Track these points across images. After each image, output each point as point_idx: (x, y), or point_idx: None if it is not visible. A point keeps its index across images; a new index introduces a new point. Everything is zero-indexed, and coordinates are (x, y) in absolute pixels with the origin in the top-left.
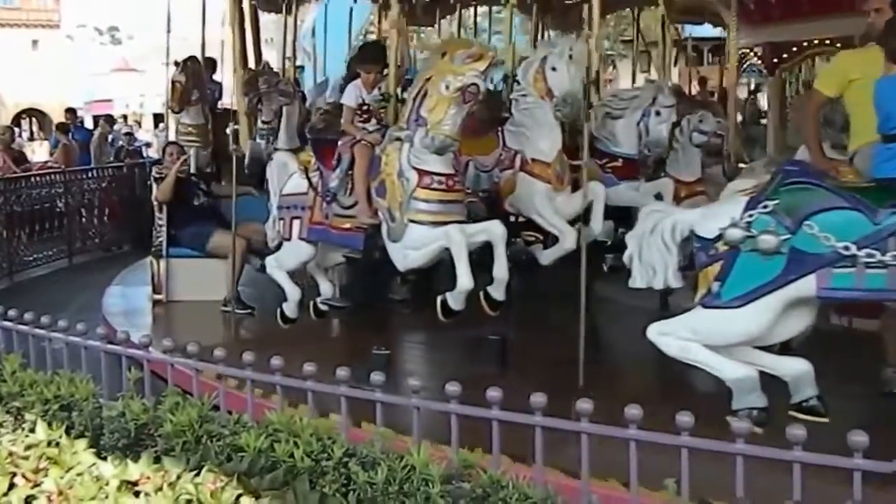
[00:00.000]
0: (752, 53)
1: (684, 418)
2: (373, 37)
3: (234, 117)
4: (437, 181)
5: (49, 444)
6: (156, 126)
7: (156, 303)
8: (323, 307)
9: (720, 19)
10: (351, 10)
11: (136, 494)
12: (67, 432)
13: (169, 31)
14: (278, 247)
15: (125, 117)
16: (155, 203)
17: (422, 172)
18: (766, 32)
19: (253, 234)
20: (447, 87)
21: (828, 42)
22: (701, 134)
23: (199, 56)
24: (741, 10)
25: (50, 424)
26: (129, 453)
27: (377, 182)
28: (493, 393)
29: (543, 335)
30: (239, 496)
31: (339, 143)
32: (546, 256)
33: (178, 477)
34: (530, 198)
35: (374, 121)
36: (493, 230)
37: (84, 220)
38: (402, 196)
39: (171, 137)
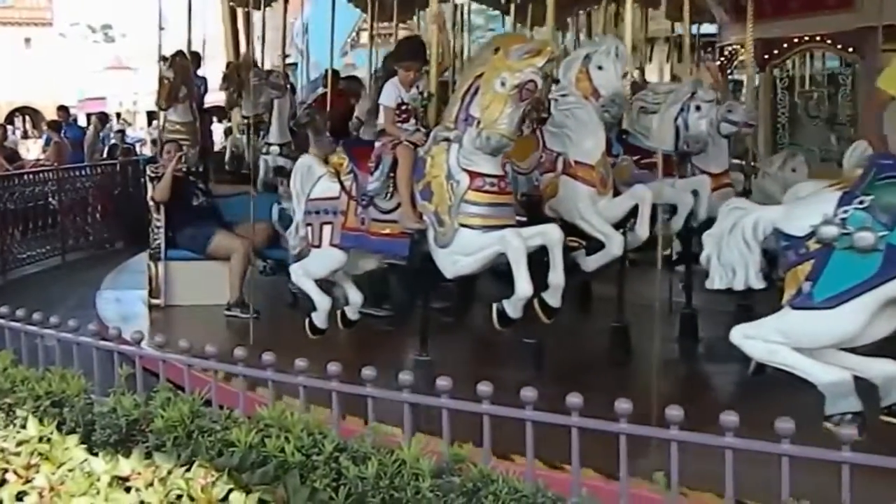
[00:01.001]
0: (742, 50)
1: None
2: (365, 35)
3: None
4: (489, 183)
5: (40, 440)
6: (149, 124)
7: (153, 307)
8: (353, 317)
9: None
10: (333, 5)
11: (128, 490)
12: (59, 428)
13: (162, 29)
14: (300, 254)
15: (118, 115)
16: (151, 203)
17: (473, 174)
18: (756, 28)
19: (256, 234)
20: (503, 85)
21: (818, 38)
22: (730, 124)
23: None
24: (732, 6)
25: (41, 420)
26: (121, 449)
27: (421, 185)
28: (484, 387)
29: (577, 338)
30: (229, 491)
31: (377, 144)
32: (590, 263)
33: (169, 472)
34: (574, 202)
35: (412, 121)
36: (550, 234)
37: (77, 217)
38: (451, 199)
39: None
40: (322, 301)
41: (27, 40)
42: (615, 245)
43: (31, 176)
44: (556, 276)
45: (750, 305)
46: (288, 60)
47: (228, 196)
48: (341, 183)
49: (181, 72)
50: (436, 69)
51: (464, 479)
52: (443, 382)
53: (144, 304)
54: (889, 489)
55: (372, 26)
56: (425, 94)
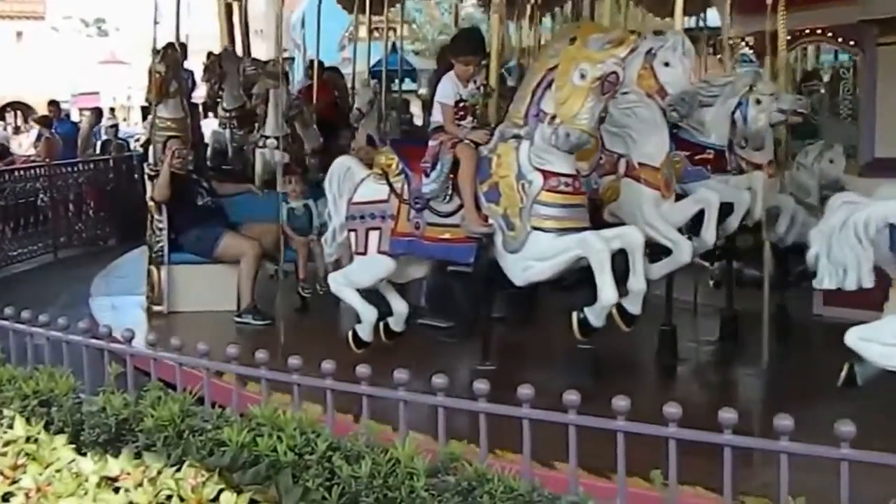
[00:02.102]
0: (743, 43)
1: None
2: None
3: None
4: (564, 183)
5: (27, 440)
6: (143, 119)
7: (154, 315)
8: (398, 328)
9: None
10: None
11: (116, 490)
12: (46, 428)
13: (157, 24)
14: (337, 263)
15: (112, 110)
16: (152, 203)
17: (547, 173)
18: (758, 21)
19: (263, 236)
20: (582, 77)
21: (819, 31)
22: (779, 113)
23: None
24: None
25: (28, 420)
26: (110, 449)
27: (487, 186)
28: (480, 385)
29: (627, 341)
30: (220, 491)
31: (431, 143)
32: (656, 270)
33: (159, 472)
34: (637, 206)
35: (469, 118)
36: (631, 237)
37: (70, 214)
38: (522, 200)
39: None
40: (367, 312)
41: (19, 34)
42: (684, 252)
43: (21, 172)
44: (638, 282)
45: (784, 305)
46: (285, 55)
47: (231, 195)
48: (390, 185)
49: (173, 65)
50: (497, 63)
51: (459, 478)
52: (438, 380)
53: (144, 310)
54: (887, 486)
55: (370, 20)
56: (484, 90)
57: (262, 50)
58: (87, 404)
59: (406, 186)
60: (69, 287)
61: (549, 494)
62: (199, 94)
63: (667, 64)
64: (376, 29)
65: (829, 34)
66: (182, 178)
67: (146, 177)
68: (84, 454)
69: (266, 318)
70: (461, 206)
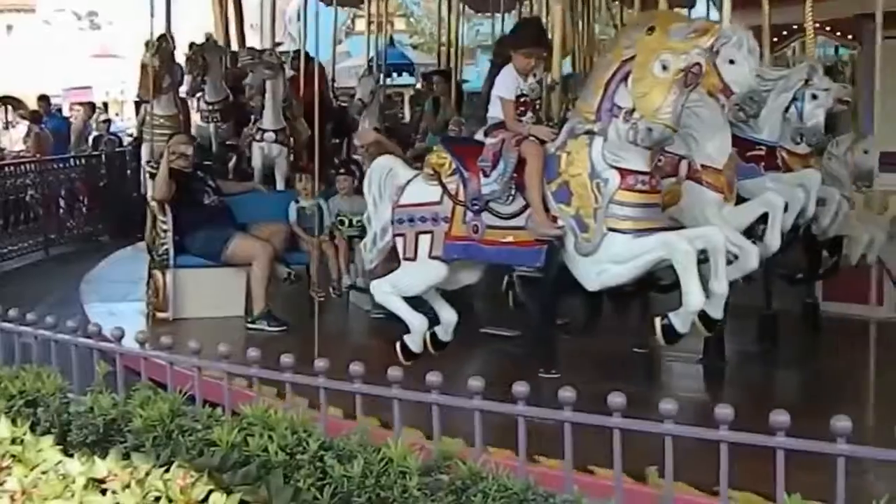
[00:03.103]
0: None
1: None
2: (360, 22)
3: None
4: (641, 181)
5: (13, 441)
6: (137, 113)
7: (159, 322)
8: (446, 338)
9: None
10: None
11: (104, 492)
12: (32, 429)
13: (152, 17)
14: (374, 270)
15: (105, 105)
16: (154, 203)
17: (623, 171)
18: (753, 15)
19: (272, 237)
20: (664, 68)
21: (817, 25)
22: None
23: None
24: None
25: (14, 421)
26: (98, 450)
27: (555, 185)
28: (475, 382)
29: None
30: (210, 492)
31: (490, 140)
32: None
33: (147, 473)
34: (700, 210)
35: (529, 114)
36: (713, 238)
37: (62, 210)
38: (597, 200)
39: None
40: (417, 321)
41: (9, 27)
42: (751, 258)
43: (11, 168)
44: (720, 285)
45: (816, 304)
46: (282, 48)
47: (236, 194)
48: (443, 185)
49: (167, 59)
50: (560, 56)
51: (452, 477)
52: (432, 377)
53: (145, 317)
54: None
55: (369, 13)
56: (546, 84)
57: (256, 43)
58: (74, 404)
59: (462, 187)
60: (60, 285)
61: (544, 492)
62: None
63: (731, 61)
64: (373, 23)
65: (828, 28)
66: (186, 177)
67: (147, 175)
68: (71, 455)
69: (281, 324)
70: (525, 207)
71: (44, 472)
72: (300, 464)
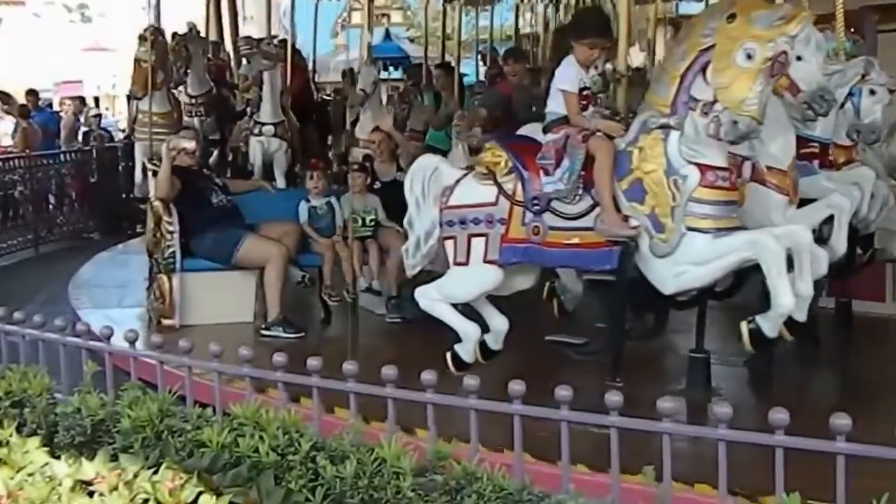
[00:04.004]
0: None
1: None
2: (357, 15)
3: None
4: (721, 177)
5: None
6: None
7: (165, 329)
8: (496, 347)
9: None
10: None
11: (91, 495)
12: (19, 430)
13: (144, 9)
14: (419, 275)
15: (97, 99)
16: (157, 204)
17: (703, 167)
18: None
19: (283, 238)
20: (750, 57)
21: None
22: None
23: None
24: None
25: (0, 422)
26: (85, 451)
27: (627, 183)
28: (471, 381)
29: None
30: (199, 494)
31: (552, 136)
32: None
33: (136, 475)
34: (765, 213)
35: (591, 108)
36: (799, 236)
37: (51, 206)
38: (675, 198)
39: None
40: (469, 330)
41: None
42: (821, 263)
43: None
44: (805, 286)
45: (848, 303)
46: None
47: (242, 193)
48: (499, 185)
49: (161, 54)
50: (626, 45)
51: (447, 477)
52: (427, 376)
53: (147, 324)
54: (882, 480)
55: (369, 5)
56: (616, 76)
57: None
58: (62, 405)
59: (520, 186)
60: (50, 283)
61: (540, 493)
62: None
63: (799, 58)
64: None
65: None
66: (192, 175)
67: (149, 173)
68: (58, 457)
69: (298, 330)
70: (593, 207)
71: (30, 475)
72: (292, 464)
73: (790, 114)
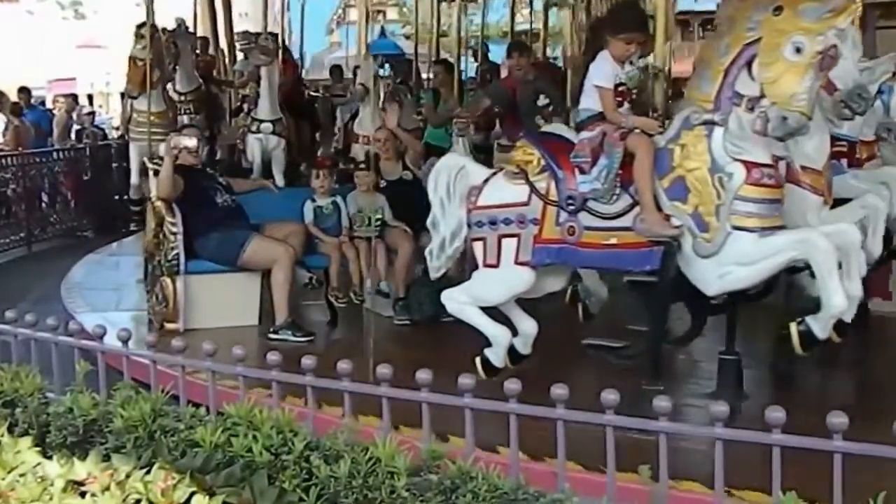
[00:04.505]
0: None
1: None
2: (353, 11)
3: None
4: (767, 175)
5: None
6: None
7: (169, 334)
8: (525, 351)
9: None
10: None
11: (83, 495)
12: (10, 430)
13: (137, 6)
14: (443, 278)
15: (90, 97)
16: (159, 204)
17: (749, 164)
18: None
19: (289, 239)
20: (799, 51)
21: None
22: None
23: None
24: None
25: None
26: (77, 451)
27: (668, 181)
28: (465, 380)
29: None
30: (192, 494)
31: (587, 134)
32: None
33: (128, 475)
34: (801, 214)
35: (626, 104)
36: (849, 235)
37: (44, 205)
38: (720, 196)
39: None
40: (500, 334)
41: None
42: (862, 264)
43: None
44: (855, 286)
45: (864, 303)
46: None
47: (245, 192)
48: (531, 184)
49: (158, 53)
50: (664, 40)
51: (441, 477)
52: (422, 375)
53: (148, 328)
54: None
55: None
56: (654, 70)
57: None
58: (54, 405)
59: (553, 185)
60: (43, 282)
61: (535, 492)
62: None
63: None
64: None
65: None
66: (196, 174)
67: (150, 172)
68: (50, 457)
69: (307, 333)
70: (632, 206)
71: (22, 475)
72: (285, 464)
73: (825, 113)
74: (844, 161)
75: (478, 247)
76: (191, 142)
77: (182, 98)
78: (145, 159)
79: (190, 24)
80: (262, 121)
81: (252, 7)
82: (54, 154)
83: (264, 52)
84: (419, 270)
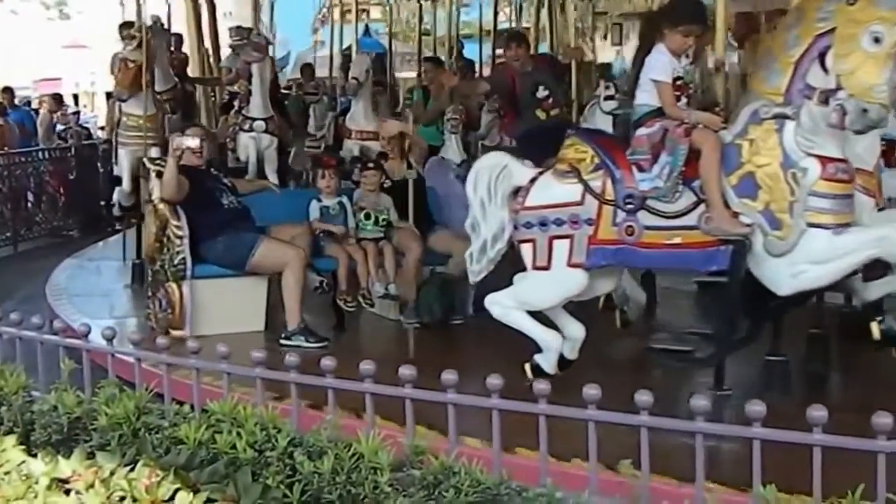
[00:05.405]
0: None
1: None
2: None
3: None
4: (841, 170)
5: None
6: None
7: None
8: (571, 356)
9: None
10: None
11: (67, 493)
12: None
13: (122, 6)
14: (483, 282)
15: (76, 97)
16: (162, 206)
17: (823, 159)
18: (737, 2)
19: (297, 240)
20: (877, 41)
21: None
22: None
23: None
24: None
25: None
26: (62, 449)
27: (736, 178)
28: (449, 376)
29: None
30: (176, 491)
31: (645, 130)
32: (873, 290)
33: (112, 473)
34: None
35: (683, 99)
36: None
37: (30, 204)
38: (793, 193)
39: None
40: (551, 339)
41: None
42: None
43: None
44: None
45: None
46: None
47: (248, 194)
48: (584, 183)
49: (150, 53)
50: (724, 33)
51: (424, 472)
52: (406, 371)
53: (158, 336)
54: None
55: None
56: (716, 66)
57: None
58: (38, 403)
59: (609, 184)
60: (29, 280)
61: (517, 486)
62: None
63: None
64: (348, 11)
65: None
66: (200, 175)
67: (153, 173)
68: (34, 455)
69: (320, 339)
70: (696, 204)
71: (6, 473)
72: (269, 461)
73: None
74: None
75: (526, 249)
76: (194, 142)
77: (159, 97)
78: (145, 160)
79: (165, 21)
80: (254, 119)
81: (236, 6)
82: (39, 153)
83: (256, 48)
84: (426, 272)
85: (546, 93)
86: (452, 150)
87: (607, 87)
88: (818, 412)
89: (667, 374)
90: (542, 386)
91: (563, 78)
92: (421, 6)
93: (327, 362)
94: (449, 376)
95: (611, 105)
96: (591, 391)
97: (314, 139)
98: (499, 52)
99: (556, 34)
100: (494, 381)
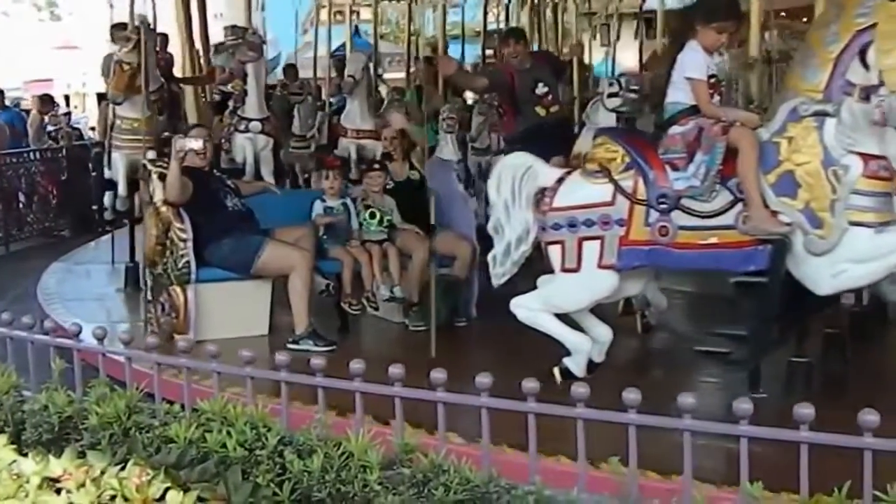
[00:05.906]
0: None
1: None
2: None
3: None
4: (883, 167)
5: None
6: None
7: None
8: (599, 359)
9: None
10: None
11: (58, 492)
12: None
13: (112, 7)
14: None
15: (67, 98)
16: (165, 209)
17: (865, 157)
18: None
19: (300, 243)
20: None
21: (783, 14)
22: None
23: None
24: None
25: None
26: (53, 448)
27: (774, 176)
28: (438, 374)
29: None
30: (167, 489)
31: (679, 128)
32: None
33: (103, 472)
34: None
35: (717, 96)
36: None
37: (21, 205)
38: (834, 191)
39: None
40: (580, 342)
41: None
42: None
43: None
44: None
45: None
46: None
47: (249, 196)
48: (615, 183)
49: (146, 56)
50: (759, 28)
51: (414, 470)
52: (395, 370)
53: (162, 341)
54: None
55: (330, 3)
56: (750, 61)
57: (218, 34)
58: (29, 402)
59: (642, 183)
60: (20, 280)
61: (506, 484)
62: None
63: None
64: (339, 12)
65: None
66: (204, 177)
67: (157, 176)
68: (25, 454)
69: (329, 342)
70: (733, 203)
71: None
72: (259, 459)
73: None
74: None
75: (554, 251)
76: (197, 144)
77: (146, 98)
78: (146, 162)
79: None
80: (250, 119)
81: (227, 8)
82: (30, 154)
83: (252, 48)
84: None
85: (545, 89)
86: (448, 149)
87: (611, 84)
88: (805, 410)
89: (693, 375)
90: (581, 390)
91: (561, 75)
92: (410, 7)
93: (317, 361)
94: (438, 375)
95: (614, 102)
96: (580, 389)
97: (300, 139)
98: (489, 52)
99: (545, 35)
100: (483, 379)
